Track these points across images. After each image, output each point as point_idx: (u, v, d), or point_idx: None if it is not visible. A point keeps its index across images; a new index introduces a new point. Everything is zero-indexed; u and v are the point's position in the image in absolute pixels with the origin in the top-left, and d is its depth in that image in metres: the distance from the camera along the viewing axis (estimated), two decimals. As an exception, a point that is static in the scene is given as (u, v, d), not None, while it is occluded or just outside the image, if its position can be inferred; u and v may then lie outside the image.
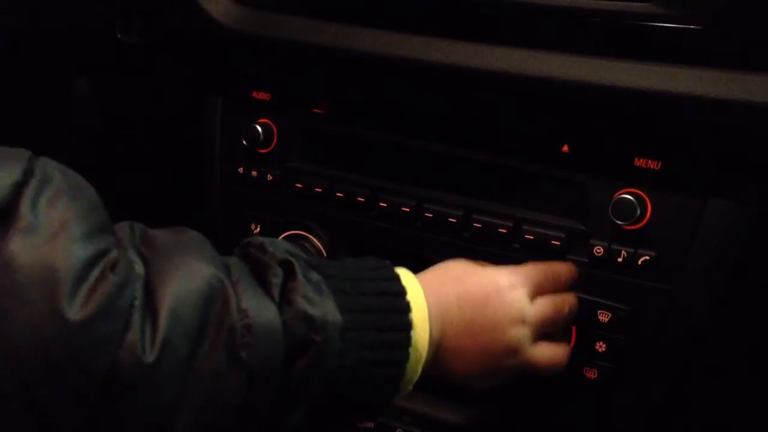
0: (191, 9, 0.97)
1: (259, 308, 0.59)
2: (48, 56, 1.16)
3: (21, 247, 0.52)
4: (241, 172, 1.04)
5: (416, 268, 0.95)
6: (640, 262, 0.84)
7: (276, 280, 0.62)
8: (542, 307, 0.78)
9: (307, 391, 0.61)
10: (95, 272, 0.54)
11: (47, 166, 0.58)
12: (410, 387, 0.70)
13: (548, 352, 0.80)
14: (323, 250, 1.00)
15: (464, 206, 0.92)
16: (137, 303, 0.55)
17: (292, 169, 1.02)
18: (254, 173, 1.04)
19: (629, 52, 0.79)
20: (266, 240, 0.66)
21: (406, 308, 0.67)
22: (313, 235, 1.00)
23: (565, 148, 0.87)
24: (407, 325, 0.66)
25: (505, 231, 0.90)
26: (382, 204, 0.96)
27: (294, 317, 0.61)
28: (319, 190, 0.99)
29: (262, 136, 1.01)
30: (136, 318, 0.55)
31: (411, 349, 0.67)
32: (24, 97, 1.16)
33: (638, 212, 0.82)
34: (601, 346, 0.87)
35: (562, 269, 0.84)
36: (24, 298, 0.52)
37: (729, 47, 0.76)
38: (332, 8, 0.93)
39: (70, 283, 0.53)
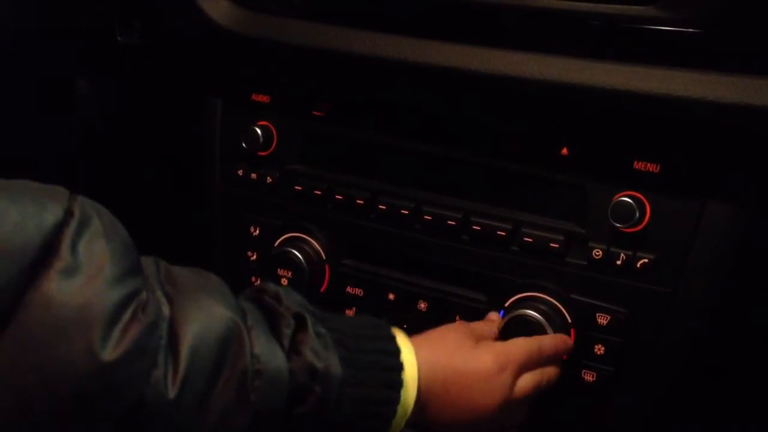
0: (191, 11, 0.98)
1: (270, 355, 0.64)
2: (49, 58, 1.16)
3: (60, 287, 0.56)
4: (241, 174, 1.04)
5: (416, 271, 0.96)
6: (638, 265, 0.84)
7: (288, 330, 0.66)
8: (523, 387, 0.80)
9: None
10: (127, 313, 0.58)
11: (85, 206, 0.61)
12: None
13: (521, 412, 0.82)
14: (322, 253, 1.00)
15: (463, 209, 0.92)
16: (163, 342, 0.59)
17: (292, 172, 1.02)
18: (254, 176, 1.04)
19: (628, 55, 0.79)
20: (281, 290, 0.70)
21: (399, 368, 0.71)
22: (312, 238, 1.00)
23: (565, 150, 0.87)
24: (399, 384, 0.71)
25: (504, 234, 0.90)
26: (381, 206, 0.96)
27: (300, 367, 0.65)
28: (319, 192, 0.99)
29: (261, 139, 1.01)
30: (161, 357, 0.58)
31: (399, 407, 0.71)
32: (25, 98, 1.16)
33: (637, 215, 0.82)
34: (599, 349, 0.87)
35: (549, 344, 0.84)
36: (61, 335, 0.55)
37: (728, 50, 0.76)
38: (331, 11, 0.94)
39: (105, 324, 0.56)
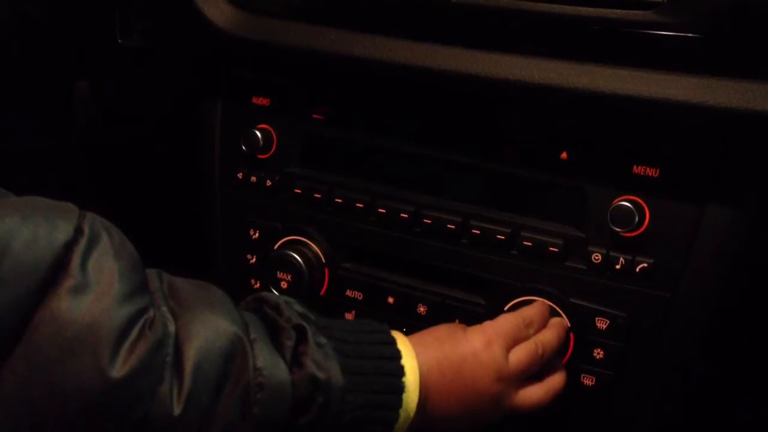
0: (191, 14, 0.98)
1: (272, 368, 0.64)
2: (49, 60, 1.16)
3: (70, 306, 0.57)
4: (241, 177, 1.04)
5: (415, 274, 0.96)
6: (638, 269, 0.84)
7: (289, 342, 0.67)
8: (517, 357, 0.80)
9: None
10: (135, 331, 0.59)
11: (95, 224, 0.62)
12: None
13: (532, 396, 0.82)
14: (322, 256, 1.00)
15: (463, 212, 0.92)
16: (169, 359, 0.60)
17: (292, 175, 1.02)
18: (253, 179, 1.04)
19: (629, 60, 0.79)
20: (281, 301, 0.71)
21: (400, 372, 0.72)
22: (311, 241, 1.00)
23: (564, 154, 0.87)
24: (400, 389, 0.72)
25: (503, 237, 0.90)
26: (380, 210, 0.96)
27: (302, 378, 0.66)
28: (318, 195, 1.00)
29: (261, 142, 1.01)
30: (167, 373, 0.59)
31: (401, 410, 0.72)
32: (25, 100, 1.16)
33: (636, 219, 0.82)
34: (599, 353, 0.87)
35: (531, 313, 0.85)
36: (70, 353, 0.57)
37: (728, 55, 0.76)
38: (332, 14, 0.94)
39: (113, 341, 0.57)
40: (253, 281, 1.06)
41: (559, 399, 0.85)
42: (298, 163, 1.02)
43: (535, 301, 0.88)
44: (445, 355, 0.77)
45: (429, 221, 0.94)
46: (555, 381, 0.85)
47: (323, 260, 1.00)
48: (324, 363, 0.67)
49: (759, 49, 0.75)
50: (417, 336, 0.79)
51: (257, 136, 1.01)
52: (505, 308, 0.90)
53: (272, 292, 0.99)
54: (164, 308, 0.63)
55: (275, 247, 1.02)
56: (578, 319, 0.87)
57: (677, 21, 0.76)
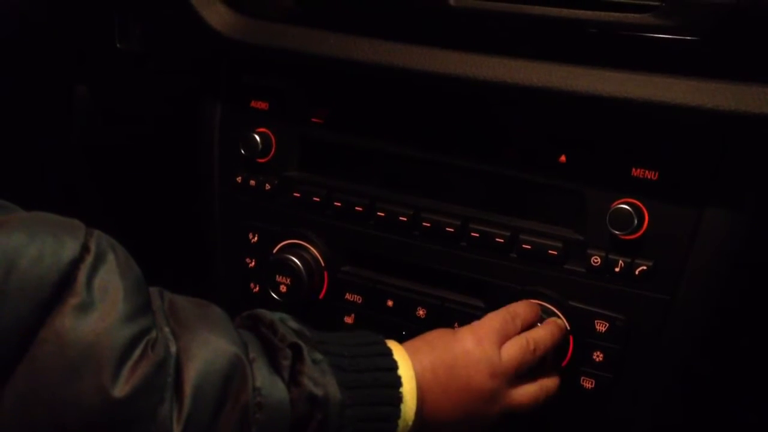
0: (190, 18, 0.98)
1: (271, 388, 0.64)
2: (48, 64, 1.17)
3: (74, 325, 0.57)
4: (240, 181, 1.05)
5: (414, 277, 0.96)
6: (637, 272, 0.84)
7: (286, 362, 0.67)
8: (509, 352, 0.80)
9: None
10: (137, 351, 0.59)
11: (101, 242, 0.62)
12: None
13: (527, 393, 0.82)
14: (321, 259, 1.00)
15: (462, 216, 0.92)
16: (170, 380, 0.60)
17: (291, 179, 1.02)
18: (252, 182, 1.04)
19: (627, 63, 0.79)
20: (275, 319, 0.71)
21: (397, 383, 0.72)
22: (311, 244, 1.00)
23: (563, 158, 0.87)
24: (398, 400, 0.72)
25: (502, 240, 0.90)
26: (379, 213, 0.96)
27: (300, 396, 0.66)
28: (317, 199, 1.00)
29: (260, 146, 1.01)
30: (168, 394, 0.59)
31: (399, 420, 0.72)
32: (25, 102, 1.16)
33: (635, 222, 0.82)
34: (598, 356, 0.88)
35: (517, 307, 0.86)
36: (73, 372, 0.57)
37: (726, 58, 0.76)
38: (331, 18, 0.94)
39: (116, 361, 0.57)
40: (252, 285, 1.06)
41: (558, 401, 0.85)
42: (297, 167, 1.02)
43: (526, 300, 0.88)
44: (437, 357, 0.77)
45: (428, 224, 0.94)
46: (549, 379, 0.85)
47: (322, 264, 1.00)
48: (321, 379, 0.67)
49: (756, 51, 0.75)
50: (409, 343, 0.79)
51: (256, 139, 1.01)
52: (504, 310, 0.90)
53: (272, 295, 0.99)
54: (166, 329, 0.62)
55: (274, 250, 1.02)
56: (578, 322, 0.87)
57: (675, 24, 0.76)
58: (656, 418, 0.89)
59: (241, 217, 1.06)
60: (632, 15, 0.78)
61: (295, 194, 1.01)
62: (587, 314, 0.87)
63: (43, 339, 0.57)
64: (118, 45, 1.08)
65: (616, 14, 0.78)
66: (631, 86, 0.78)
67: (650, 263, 0.84)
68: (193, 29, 0.98)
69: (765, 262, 0.85)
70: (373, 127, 0.97)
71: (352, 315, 1.00)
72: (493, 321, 0.82)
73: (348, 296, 1.00)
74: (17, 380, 0.56)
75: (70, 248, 0.59)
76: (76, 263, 0.59)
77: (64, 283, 0.58)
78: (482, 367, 0.78)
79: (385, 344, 0.75)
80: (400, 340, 0.78)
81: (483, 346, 0.79)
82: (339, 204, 0.98)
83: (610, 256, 0.85)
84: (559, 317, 0.88)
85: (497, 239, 0.90)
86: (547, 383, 0.84)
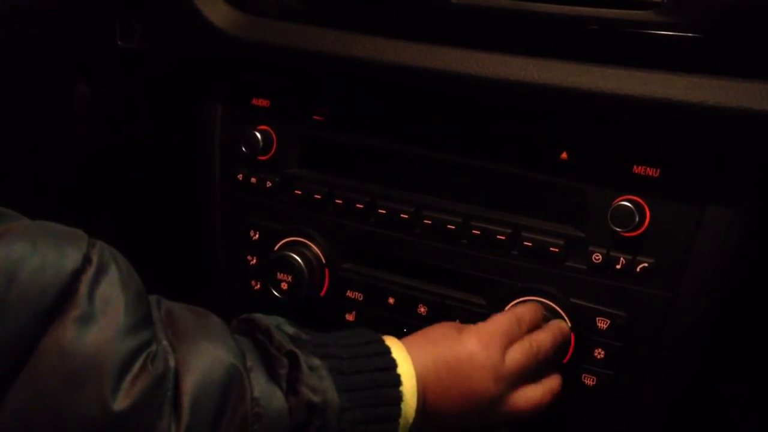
0: (191, 15, 0.98)
1: (269, 398, 0.64)
2: (49, 62, 1.16)
3: (75, 336, 0.57)
4: (241, 178, 1.05)
5: (416, 275, 0.96)
6: (638, 269, 0.84)
7: (283, 371, 0.66)
8: (513, 357, 0.80)
9: None
10: (137, 364, 0.59)
11: (104, 253, 0.62)
12: None
13: (530, 397, 0.82)
14: (322, 257, 1.00)
15: (463, 213, 0.92)
16: (169, 394, 0.59)
17: (292, 176, 1.02)
18: (254, 180, 1.04)
19: (629, 60, 0.79)
20: (271, 325, 0.70)
21: (396, 382, 0.72)
22: (312, 242, 1.00)
23: (564, 155, 0.87)
24: (398, 399, 0.71)
25: (503, 238, 0.90)
26: (381, 211, 0.96)
27: (298, 404, 0.65)
28: (319, 196, 1.00)
29: (261, 143, 1.01)
30: (166, 408, 0.59)
31: (401, 419, 0.71)
32: (25, 102, 1.16)
33: (637, 219, 0.82)
34: (599, 353, 0.88)
35: (523, 311, 0.85)
36: (73, 384, 0.56)
37: (728, 55, 0.76)
38: (332, 15, 0.94)
39: (116, 374, 0.57)
40: (253, 282, 1.06)
41: (559, 399, 0.85)
42: (298, 164, 1.02)
43: (538, 302, 0.88)
44: (441, 357, 0.77)
45: (429, 222, 0.94)
46: (553, 381, 0.85)
47: (323, 261, 1.00)
48: (318, 386, 0.66)
49: (759, 48, 0.75)
50: (411, 338, 0.78)
51: (257, 137, 1.01)
52: (506, 308, 0.90)
53: (273, 293, 0.99)
54: (165, 342, 0.62)
55: (275, 248, 1.02)
56: (579, 319, 0.87)
57: (677, 21, 0.76)
58: (657, 415, 0.89)
59: (242, 215, 1.06)
60: (634, 12, 0.78)
61: (296, 192, 1.01)
62: (588, 311, 0.87)
63: (44, 350, 0.56)
64: (119, 43, 1.08)
65: (618, 11, 0.78)
66: (634, 83, 0.78)
67: (651, 260, 0.84)
68: (194, 27, 0.98)
69: (766, 259, 0.85)
70: (374, 124, 0.97)
71: (353, 312, 1.00)
72: (498, 324, 0.82)
73: (349, 293, 1.00)
74: (17, 391, 0.56)
75: (72, 259, 0.59)
76: (77, 274, 0.59)
77: (66, 294, 0.58)
78: (487, 372, 0.77)
79: (383, 342, 0.75)
80: (401, 338, 0.77)
81: (488, 350, 0.78)
82: (340, 201, 0.98)
83: (612, 254, 0.85)
84: (562, 318, 0.88)
85: (498, 237, 0.90)
86: (549, 385, 0.84)
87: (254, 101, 1.03)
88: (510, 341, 0.81)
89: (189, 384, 0.60)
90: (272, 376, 0.66)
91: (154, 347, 0.61)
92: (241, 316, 0.73)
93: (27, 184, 1.16)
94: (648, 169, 0.83)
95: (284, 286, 0.99)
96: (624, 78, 0.78)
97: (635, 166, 0.84)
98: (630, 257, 0.85)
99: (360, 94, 0.97)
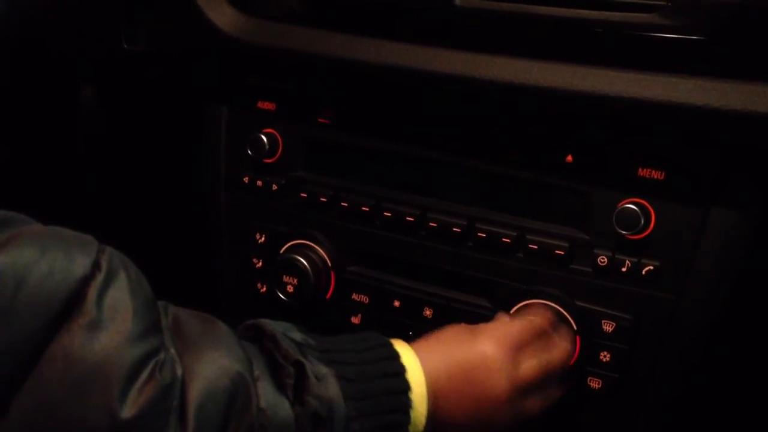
0: (196, 19, 0.98)
1: (275, 407, 0.63)
2: (55, 65, 1.17)
3: (83, 343, 0.57)
4: (246, 181, 1.05)
5: (421, 277, 0.96)
6: (644, 272, 0.84)
7: (290, 380, 0.66)
8: (527, 369, 0.79)
9: None
10: (145, 372, 0.58)
11: (113, 260, 0.61)
12: None
13: (537, 404, 0.81)
14: (328, 260, 1.00)
15: (468, 216, 0.92)
16: (175, 404, 0.59)
17: (297, 179, 1.02)
18: (259, 183, 1.04)
19: (633, 63, 0.79)
20: (278, 332, 0.69)
21: (405, 388, 0.71)
22: (317, 244, 1.00)
23: (569, 158, 0.87)
24: (406, 406, 0.70)
25: (509, 240, 0.90)
26: (386, 213, 0.96)
27: (304, 414, 0.65)
28: (324, 199, 1.00)
29: (267, 146, 1.01)
30: (173, 417, 0.58)
31: (410, 426, 0.70)
32: (31, 105, 1.17)
33: (642, 222, 0.82)
34: (605, 356, 0.87)
35: (543, 325, 0.84)
36: (80, 390, 0.56)
37: (732, 57, 0.76)
38: (337, 18, 0.94)
39: (124, 381, 0.57)
40: (259, 285, 1.06)
41: (565, 402, 0.85)
42: (303, 167, 1.02)
43: (539, 303, 0.88)
44: (453, 360, 0.76)
45: (434, 224, 0.94)
46: (557, 388, 0.84)
47: (329, 264, 1.00)
48: (325, 395, 0.66)
49: (763, 50, 0.74)
50: (423, 341, 0.78)
51: (263, 140, 1.01)
52: (512, 311, 0.90)
53: (278, 295, 1.00)
54: (173, 350, 0.62)
55: (281, 251, 1.02)
56: (584, 322, 0.87)
57: (680, 23, 0.76)
58: (663, 418, 0.89)
59: (248, 218, 1.06)
60: (638, 15, 0.78)
61: (302, 194, 1.01)
62: (594, 314, 0.87)
63: (51, 356, 0.56)
64: (125, 46, 1.09)
65: (622, 14, 0.78)
66: (638, 86, 0.78)
67: (657, 263, 0.84)
68: (199, 30, 0.98)
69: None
70: (380, 127, 0.97)
71: (359, 315, 1.00)
72: (515, 330, 0.81)
73: (355, 296, 1.00)
74: (24, 397, 0.56)
75: (80, 265, 0.59)
76: (86, 281, 0.58)
77: (74, 300, 0.57)
78: (502, 378, 0.77)
79: (392, 347, 0.73)
80: (408, 341, 0.77)
81: (502, 357, 0.77)
82: (345, 204, 0.98)
83: (617, 256, 0.85)
84: (567, 318, 0.87)
85: (504, 239, 0.90)
86: (555, 392, 0.84)
87: (260, 104, 1.03)
88: (524, 350, 0.80)
89: (194, 392, 0.60)
90: (279, 385, 0.65)
91: (162, 355, 0.60)
92: (247, 322, 0.72)
93: (32, 187, 1.16)
94: (653, 171, 0.83)
95: (290, 288, 0.99)
96: (628, 81, 0.78)
97: (640, 169, 0.83)
98: (635, 260, 0.84)
99: (365, 96, 0.98)
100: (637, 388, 0.88)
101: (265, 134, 1.02)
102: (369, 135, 0.98)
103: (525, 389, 0.79)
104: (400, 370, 0.71)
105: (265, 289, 1.06)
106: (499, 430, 0.79)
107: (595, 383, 0.88)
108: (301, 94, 1.01)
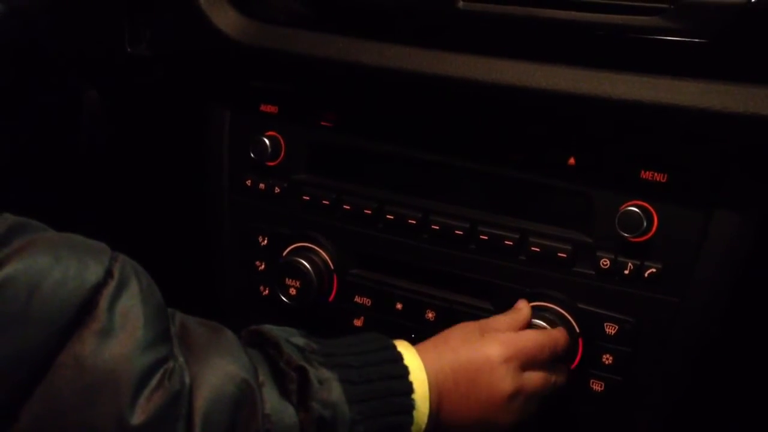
0: (200, 22, 0.98)
1: (280, 414, 0.64)
2: (58, 69, 1.17)
3: (94, 350, 0.57)
4: (249, 184, 1.05)
5: (423, 280, 0.96)
6: (646, 275, 0.84)
7: (293, 386, 0.66)
8: (533, 380, 0.80)
9: None
10: (154, 380, 0.59)
11: (125, 268, 0.62)
12: None
13: (537, 407, 0.81)
14: (330, 262, 1.00)
15: (470, 218, 0.92)
16: (183, 412, 0.59)
17: (300, 182, 1.02)
18: (262, 186, 1.04)
19: (636, 65, 0.79)
20: (281, 338, 0.69)
21: (408, 390, 0.71)
22: (320, 247, 1.00)
23: (572, 160, 0.87)
24: (410, 407, 0.71)
25: (511, 243, 0.90)
26: (388, 216, 0.96)
27: (309, 420, 0.65)
28: (326, 202, 1.00)
29: (269, 149, 1.02)
30: (180, 425, 0.59)
31: (413, 426, 0.71)
32: (33, 107, 1.17)
33: (644, 224, 0.82)
34: (607, 359, 0.87)
35: (559, 340, 0.84)
36: (90, 396, 0.57)
37: (735, 60, 0.76)
38: (340, 21, 0.94)
39: (133, 388, 0.57)
40: (261, 288, 1.06)
41: (567, 404, 0.85)
42: (306, 170, 1.02)
43: (544, 306, 0.88)
44: (459, 363, 0.76)
45: (437, 227, 0.94)
46: (556, 386, 0.84)
47: (332, 267, 1.00)
48: (329, 399, 0.66)
49: (766, 53, 0.74)
50: (430, 342, 0.78)
51: (266, 143, 1.01)
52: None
53: (281, 298, 1.00)
54: (181, 358, 0.62)
55: (284, 253, 1.02)
56: (587, 325, 0.87)
57: (684, 26, 0.76)
58: (665, 420, 0.89)
59: (251, 221, 1.06)
60: (641, 18, 0.78)
61: (305, 197, 1.01)
62: (596, 317, 0.87)
63: (62, 363, 0.56)
64: (128, 49, 1.09)
65: (625, 17, 0.78)
66: (641, 89, 0.78)
67: (659, 266, 0.84)
68: (203, 33, 0.99)
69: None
70: (382, 130, 0.97)
71: (362, 317, 1.00)
72: (527, 341, 0.81)
73: (357, 299, 1.00)
74: (34, 402, 0.56)
75: (93, 273, 0.59)
76: (98, 288, 0.59)
77: (86, 307, 0.58)
78: (506, 384, 0.77)
79: (395, 349, 0.74)
80: (417, 343, 0.77)
81: (510, 364, 0.78)
82: (348, 207, 0.99)
83: (619, 259, 0.85)
84: (569, 321, 0.87)
85: (506, 242, 0.90)
86: (553, 389, 0.84)
87: (262, 107, 1.04)
88: (531, 362, 0.80)
89: (201, 400, 0.60)
90: (283, 391, 0.66)
91: (171, 363, 0.61)
92: (251, 327, 0.73)
93: (35, 189, 1.16)
94: (655, 174, 0.83)
95: (293, 291, 0.99)
96: (631, 84, 0.78)
97: (643, 172, 0.84)
98: (638, 262, 0.85)
99: (367, 99, 0.98)
100: (640, 390, 0.88)
101: (268, 137, 1.02)
102: (371, 138, 0.98)
103: (528, 396, 0.79)
104: (403, 372, 0.72)
105: (267, 291, 1.06)
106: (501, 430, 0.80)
107: (597, 386, 0.88)
108: (303, 97, 1.01)
